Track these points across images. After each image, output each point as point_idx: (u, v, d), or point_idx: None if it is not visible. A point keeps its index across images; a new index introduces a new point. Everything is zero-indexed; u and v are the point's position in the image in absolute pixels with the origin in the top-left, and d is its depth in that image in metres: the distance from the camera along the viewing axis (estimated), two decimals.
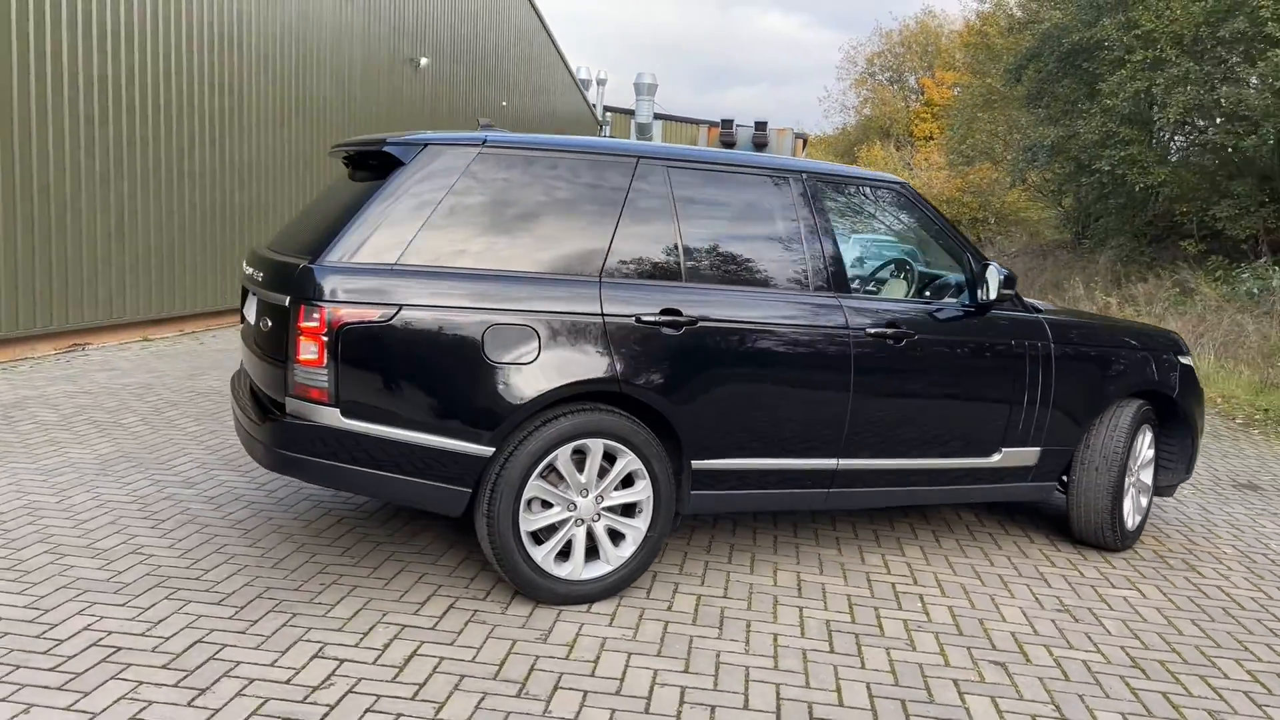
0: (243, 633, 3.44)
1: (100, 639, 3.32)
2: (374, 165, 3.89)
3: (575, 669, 3.31)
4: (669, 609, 3.87)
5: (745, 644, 3.59)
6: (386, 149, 3.77)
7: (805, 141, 46.90)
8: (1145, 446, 5.02)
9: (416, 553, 4.32)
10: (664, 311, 3.84)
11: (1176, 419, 5.19)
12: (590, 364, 3.72)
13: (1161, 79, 16.01)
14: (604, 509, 3.85)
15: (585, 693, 3.15)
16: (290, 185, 12.65)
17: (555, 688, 3.17)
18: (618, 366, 3.75)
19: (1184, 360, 5.17)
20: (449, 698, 3.07)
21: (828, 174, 4.43)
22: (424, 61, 16.71)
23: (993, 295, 4.41)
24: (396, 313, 3.51)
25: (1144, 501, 5.06)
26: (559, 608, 3.80)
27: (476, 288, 3.62)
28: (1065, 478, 4.92)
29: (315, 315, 3.46)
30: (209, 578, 3.91)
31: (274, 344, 3.68)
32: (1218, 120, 16.24)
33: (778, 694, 3.23)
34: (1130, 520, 4.93)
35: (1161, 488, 5.32)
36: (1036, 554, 4.84)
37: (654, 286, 3.89)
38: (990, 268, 4.45)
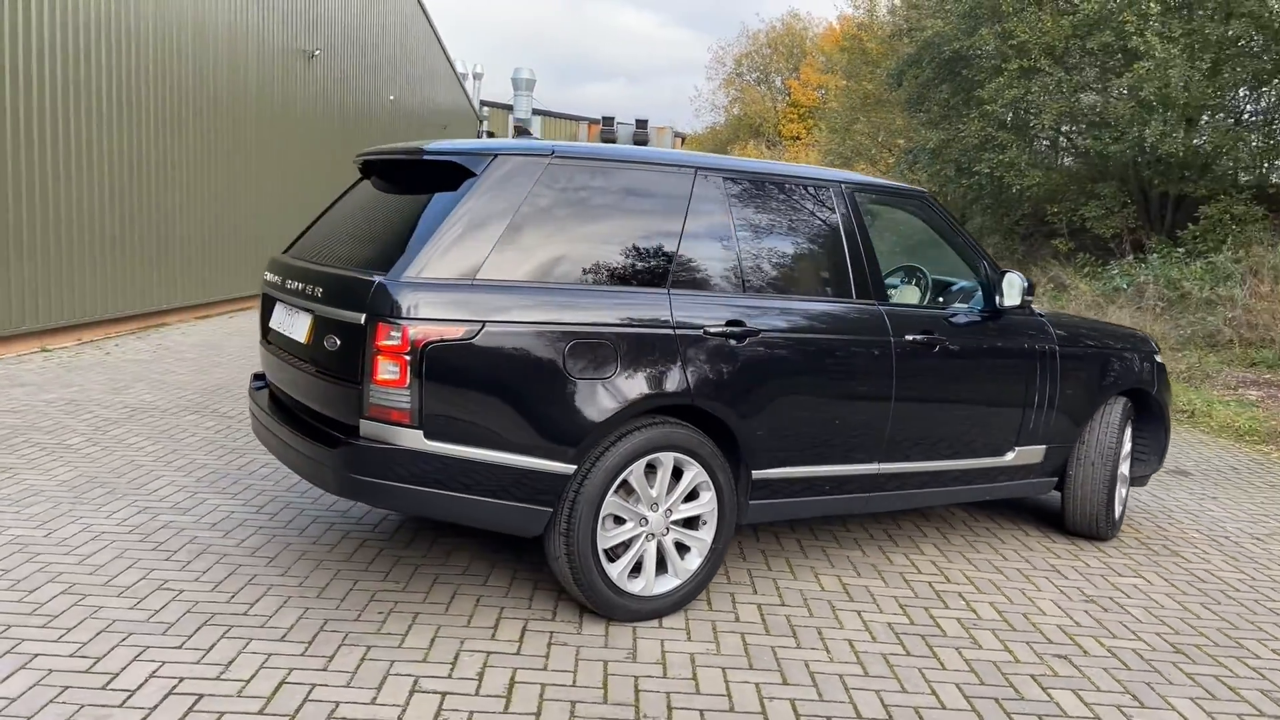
0: (324, 669, 3.26)
1: (174, 686, 3.08)
2: (430, 175, 3.75)
3: (679, 688, 3.28)
4: (736, 619, 3.88)
5: (826, 652, 3.64)
6: (454, 159, 3.64)
7: (683, 140, 47.25)
8: (1127, 440, 5.35)
9: (461, 573, 4.18)
10: (729, 323, 3.85)
11: (1151, 413, 5.54)
12: (666, 377, 3.69)
13: (1036, 87, 16.99)
14: (672, 522, 3.82)
15: (701, 711, 3.13)
16: (185, 188, 11.96)
17: (669, 708, 3.14)
18: (689, 379, 3.73)
19: (1157, 358, 5.52)
20: None
21: (863, 184, 4.53)
22: (316, 52, 16.08)
23: (1016, 301, 4.61)
24: (480, 330, 3.39)
25: (1123, 492, 5.39)
26: (631, 625, 3.76)
27: (557, 302, 3.54)
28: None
29: (396, 334, 3.31)
30: (256, 611, 3.68)
31: (342, 363, 3.48)
32: (1084, 126, 17.34)
33: (882, 701, 3.29)
34: (1117, 511, 5.24)
35: (1136, 478, 5.67)
36: (1038, 546, 5.08)
37: (716, 298, 3.89)
38: (1011, 275, 4.64)
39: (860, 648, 3.70)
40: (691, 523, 3.90)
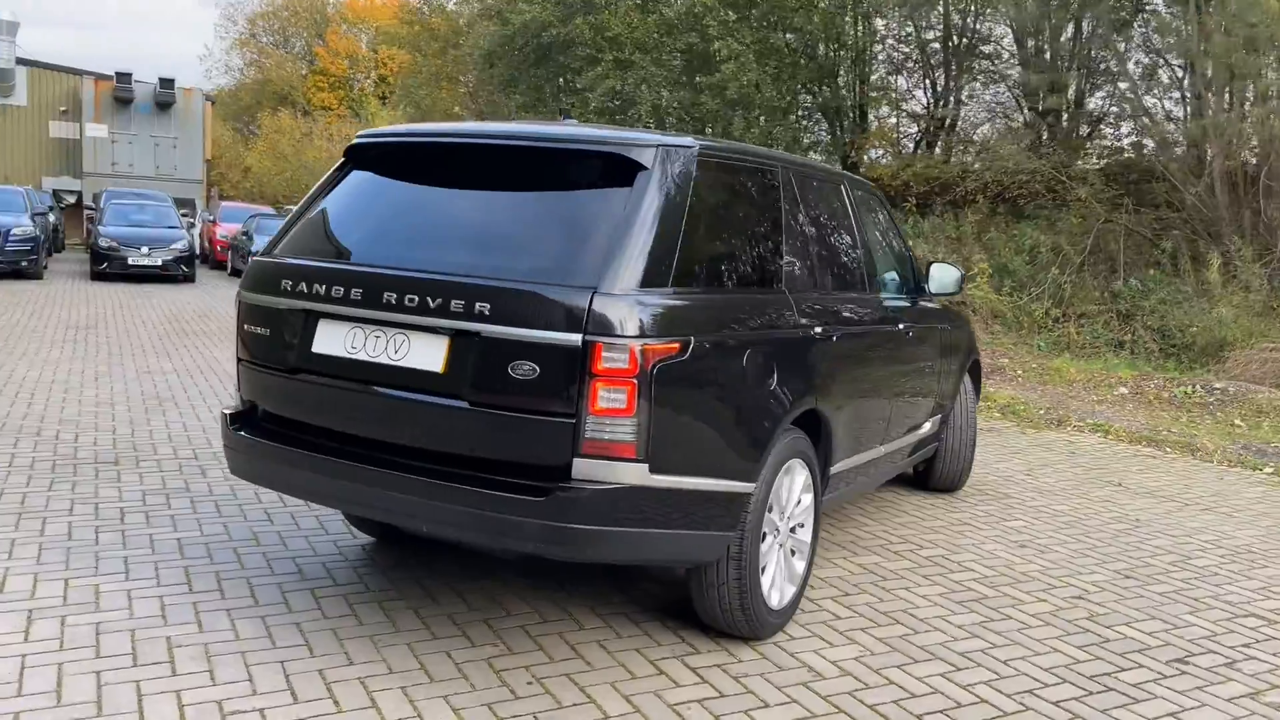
0: None
1: None
2: (583, 167, 3.22)
3: (885, 695, 3.28)
4: (837, 618, 3.91)
5: (988, 631, 3.85)
6: (618, 149, 3.15)
7: (214, 102, 42.81)
8: (973, 404, 6.21)
9: (533, 616, 3.68)
10: (824, 321, 3.84)
11: (975, 379, 6.47)
12: (803, 382, 3.59)
13: (632, 79, 18.23)
14: (790, 528, 3.74)
15: (921, 716, 3.18)
16: None
17: (871, 707, 3.14)
18: (814, 382, 3.67)
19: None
20: None
21: (853, 179, 4.71)
22: None
23: (953, 289, 5.12)
24: (690, 345, 3.03)
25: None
26: (772, 642, 3.62)
27: (739, 310, 3.28)
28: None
29: (621, 355, 2.83)
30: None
31: (536, 394, 2.88)
32: (676, 120, 18.97)
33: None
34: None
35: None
36: (923, 503, 5.72)
37: (807, 296, 3.85)
38: (944, 266, 5.14)
39: (999, 627, 3.96)
40: (796, 528, 3.84)
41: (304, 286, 3.28)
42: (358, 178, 3.62)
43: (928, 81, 20.90)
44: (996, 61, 19.14)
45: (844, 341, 3.98)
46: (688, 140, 3.40)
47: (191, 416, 6.91)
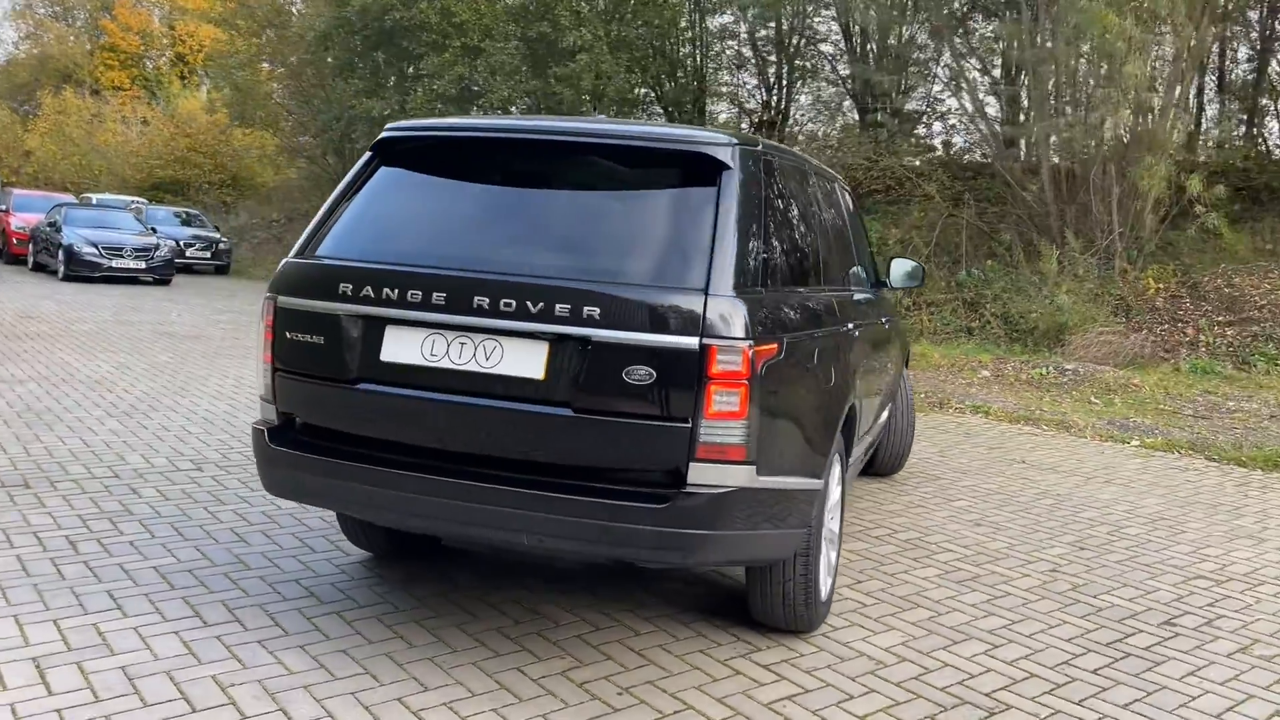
0: None
1: None
2: (664, 166, 3.17)
3: (952, 676, 3.43)
4: (864, 605, 4.04)
5: (998, 608, 4.04)
6: (702, 149, 3.11)
7: None
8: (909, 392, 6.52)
9: (582, 624, 3.60)
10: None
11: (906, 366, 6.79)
12: (848, 378, 3.68)
13: (482, 66, 17.89)
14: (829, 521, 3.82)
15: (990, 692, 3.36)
16: None
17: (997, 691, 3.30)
18: (853, 375, 3.77)
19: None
20: None
21: (841, 179, 4.83)
22: None
23: (917, 283, 5.35)
24: (783, 344, 3.05)
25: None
26: (819, 633, 3.70)
27: (808, 308, 3.32)
28: None
29: (735, 358, 2.82)
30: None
31: (649, 399, 2.83)
32: (527, 108, 18.75)
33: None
34: None
35: None
36: (869, 488, 5.98)
37: (832, 291, 3.95)
38: (902, 260, 5.36)
39: (1004, 601, 4.17)
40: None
41: (370, 290, 3.07)
42: (395, 174, 3.42)
43: (763, 78, 21.66)
44: (828, 60, 20.06)
45: (863, 337, 4.11)
46: (753, 138, 3.42)
47: (86, 432, 6.27)
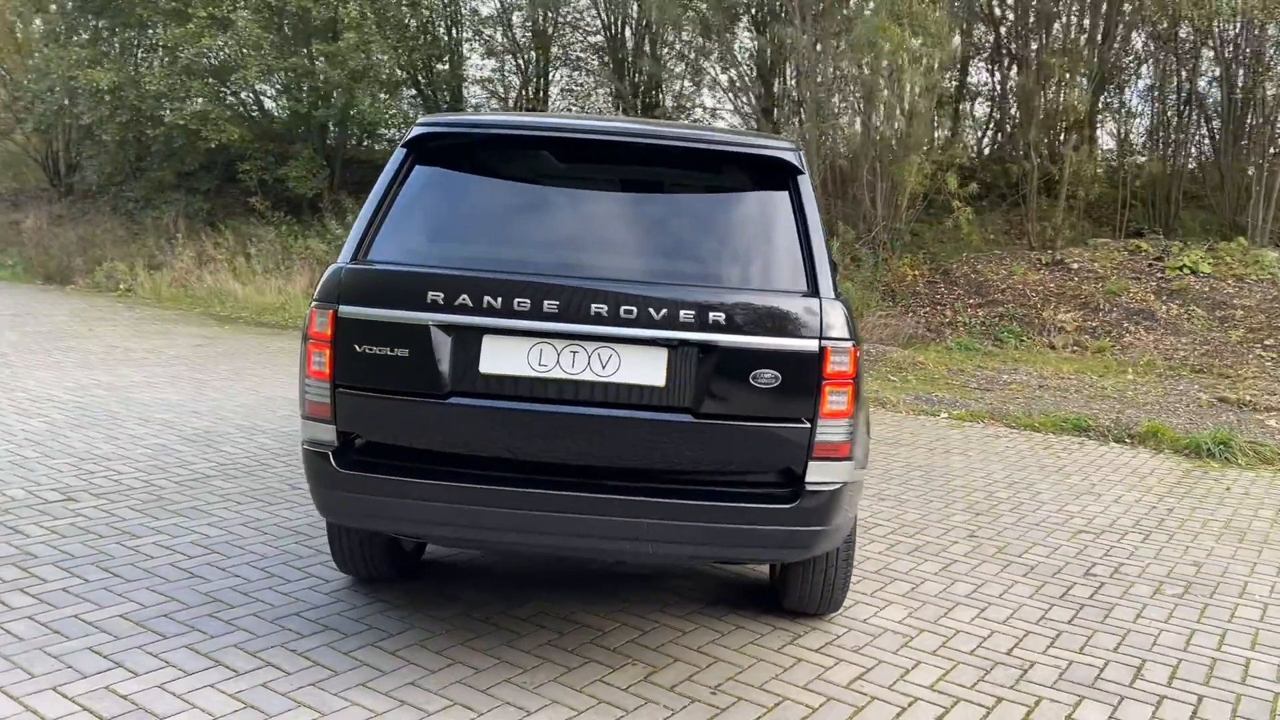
0: None
1: None
2: (741, 170, 3.21)
3: (968, 642, 3.78)
4: (869, 577, 4.31)
5: (989, 576, 4.41)
6: (782, 155, 3.17)
7: None
8: None
9: (627, 629, 3.61)
10: None
11: None
12: None
13: (232, 41, 16.54)
14: None
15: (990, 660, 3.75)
16: None
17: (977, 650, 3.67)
18: None
19: None
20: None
21: None
22: None
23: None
24: (861, 344, 3.20)
25: None
26: (840, 615, 3.92)
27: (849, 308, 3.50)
28: None
29: (846, 359, 2.98)
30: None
31: (772, 401, 2.92)
32: (281, 86, 17.52)
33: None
34: None
35: None
36: None
37: None
38: None
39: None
40: None
41: (467, 299, 2.91)
42: (440, 173, 3.24)
43: (518, 66, 21.60)
44: (597, 52, 20.38)
45: None
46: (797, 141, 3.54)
47: None
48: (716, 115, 18.88)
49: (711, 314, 2.91)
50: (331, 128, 18.41)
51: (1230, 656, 3.73)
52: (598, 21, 20.05)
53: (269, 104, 18.63)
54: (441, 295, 2.92)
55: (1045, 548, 5.02)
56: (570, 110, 21.13)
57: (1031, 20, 15.32)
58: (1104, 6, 14.92)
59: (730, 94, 17.09)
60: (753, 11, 16.49)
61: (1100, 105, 16.15)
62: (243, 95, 18.50)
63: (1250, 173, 15.11)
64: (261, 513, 4.80)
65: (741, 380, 2.92)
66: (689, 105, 20.15)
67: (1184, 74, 15.89)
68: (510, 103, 21.25)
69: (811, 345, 2.93)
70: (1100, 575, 4.62)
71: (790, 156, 3.22)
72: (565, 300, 2.91)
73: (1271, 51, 14.95)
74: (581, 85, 21.69)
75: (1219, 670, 3.60)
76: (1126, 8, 15.02)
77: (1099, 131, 16.89)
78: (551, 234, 3.17)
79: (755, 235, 3.18)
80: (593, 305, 2.90)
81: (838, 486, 3.01)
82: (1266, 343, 11.28)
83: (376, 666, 3.22)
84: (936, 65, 11.52)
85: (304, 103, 17.21)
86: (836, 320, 2.97)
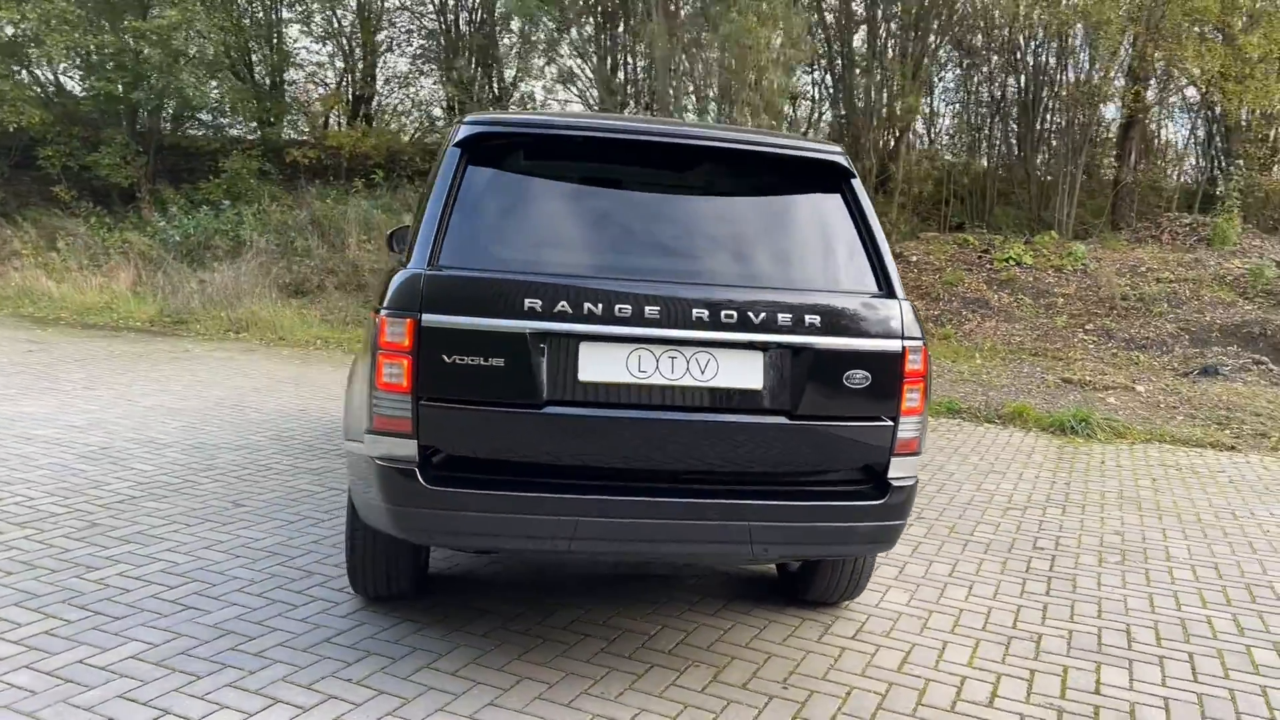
0: None
1: None
2: (797, 174, 3.29)
3: (966, 620, 4.03)
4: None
5: (965, 553, 4.65)
6: (833, 158, 3.27)
7: None
8: None
9: (671, 633, 3.63)
10: None
11: None
12: None
13: (34, 14, 15.02)
14: None
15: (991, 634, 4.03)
16: None
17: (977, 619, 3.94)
18: None
19: None
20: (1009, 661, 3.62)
21: None
22: None
23: None
24: None
25: None
26: (853, 602, 4.08)
27: None
28: None
29: (919, 358, 3.11)
30: None
31: (862, 401, 3.01)
32: (109, 66, 16.02)
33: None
34: None
35: None
36: None
37: None
38: None
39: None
40: None
41: (566, 306, 2.85)
42: (497, 175, 3.12)
43: (342, 49, 20.74)
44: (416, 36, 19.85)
45: None
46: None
47: None
48: (567, 105, 18.82)
49: (806, 316, 2.98)
50: (144, 112, 17.04)
51: (1192, 616, 4.16)
52: (430, 6, 19.54)
53: (73, 84, 17.02)
54: (539, 303, 2.84)
55: (988, 525, 5.39)
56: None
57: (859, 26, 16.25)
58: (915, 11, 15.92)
59: (571, 85, 17.09)
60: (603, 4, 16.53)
61: (919, 108, 17.28)
62: (40, 74, 16.82)
63: (1047, 173, 16.65)
64: (219, 534, 4.45)
65: (835, 381, 3.00)
66: (521, 92, 19.94)
67: (985, 79, 17.25)
68: (336, 88, 20.37)
69: (895, 345, 3.05)
70: (1047, 548, 5.02)
71: (842, 160, 3.31)
72: (665, 306, 2.90)
73: (1054, 60, 16.44)
74: (409, 72, 21.06)
75: (1192, 629, 4.01)
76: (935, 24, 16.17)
77: (918, 131, 18.08)
78: (625, 237, 3.13)
79: (823, 237, 3.25)
80: (694, 310, 2.91)
81: (914, 481, 3.15)
82: (1087, 327, 12.46)
83: (445, 690, 3.09)
84: (795, 66, 11.97)
85: (116, 84, 15.84)
86: (911, 320, 3.09)
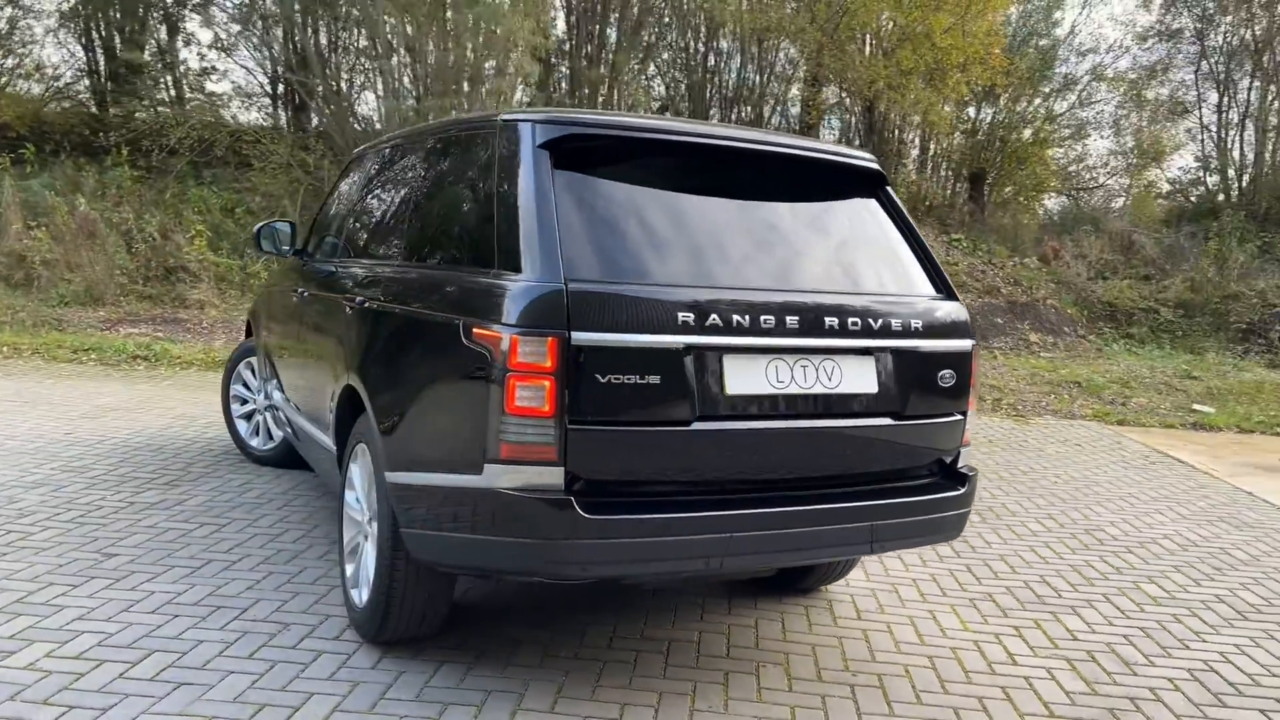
0: None
1: None
2: (840, 180, 3.43)
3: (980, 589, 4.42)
4: None
5: None
6: (872, 165, 3.43)
7: None
8: None
9: (710, 643, 3.63)
10: None
11: None
12: None
13: None
14: None
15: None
16: None
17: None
18: None
19: None
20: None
21: None
22: None
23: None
24: None
25: None
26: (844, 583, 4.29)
27: None
28: None
29: (973, 356, 3.35)
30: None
31: (945, 397, 3.23)
32: None
33: None
34: None
35: None
36: None
37: None
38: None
39: None
40: None
41: (716, 319, 2.78)
42: (592, 180, 2.95)
43: None
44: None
45: None
46: None
47: None
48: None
49: (913, 321, 3.14)
50: None
51: (1075, 563, 4.86)
52: None
53: None
54: (692, 316, 2.74)
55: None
56: None
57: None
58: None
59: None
60: None
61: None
62: None
63: None
64: (122, 592, 3.73)
65: (930, 381, 3.18)
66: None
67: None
68: None
69: (967, 344, 3.29)
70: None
71: (878, 166, 3.50)
72: (803, 316, 2.93)
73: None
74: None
75: (1084, 574, 4.69)
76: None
77: None
78: (728, 244, 3.06)
79: (885, 243, 3.39)
80: (826, 319, 2.95)
81: (976, 472, 3.41)
82: None
83: None
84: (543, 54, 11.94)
85: None
86: (971, 320, 3.35)
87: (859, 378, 3.06)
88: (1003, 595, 4.32)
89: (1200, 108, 20.22)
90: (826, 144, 3.57)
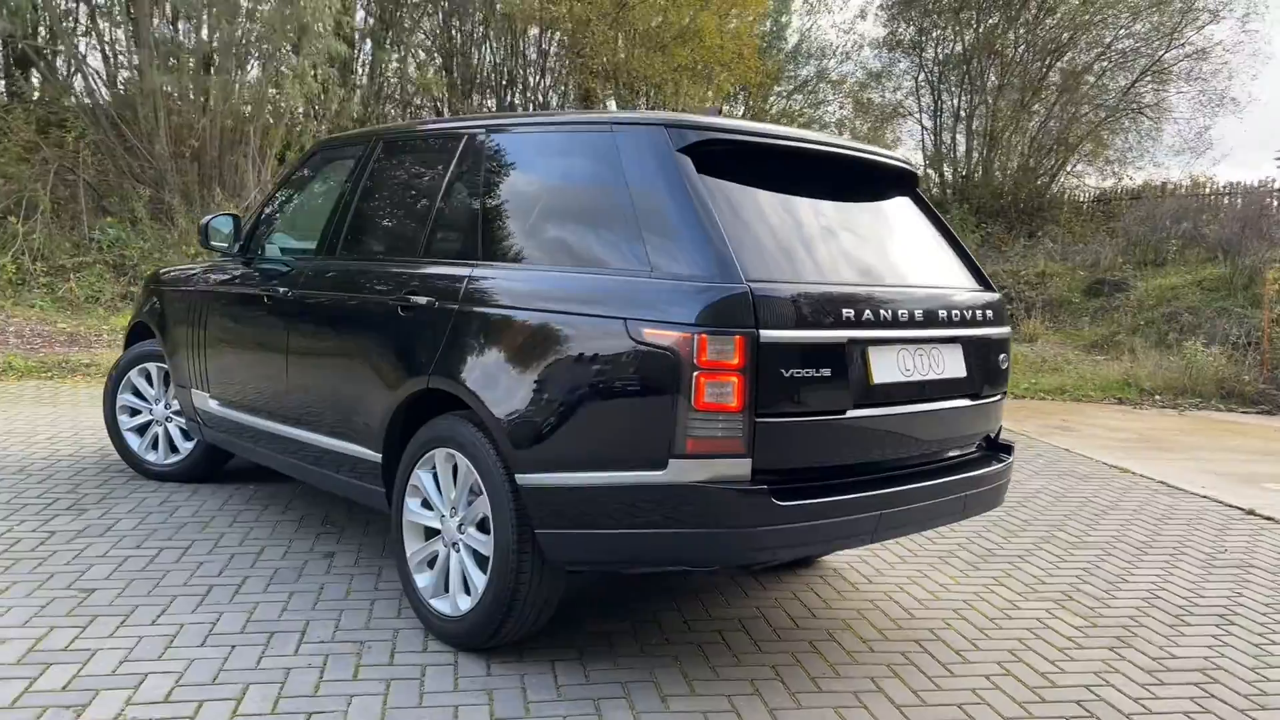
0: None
1: None
2: (881, 181, 3.71)
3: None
4: None
5: None
6: (909, 166, 3.75)
7: None
8: None
9: (762, 628, 3.85)
10: None
11: None
12: None
13: None
14: None
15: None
16: None
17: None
18: None
19: None
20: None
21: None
22: None
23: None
24: None
25: None
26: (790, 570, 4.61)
27: None
28: None
29: None
30: None
31: (998, 379, 3.57)
32: None
33: None
34: None
35: None
36: None
37: None
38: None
39: None
40: None
41: (869, 314, 3.02)
42: (729, 184, 3.07)
43: None
44: None
45: None
46: None
47: None
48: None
49: (986, 311, 3.52)
50: None
51: (1007, 523, 5.52)
52: None
53: None
54: (852, 312, 2.95)
55: None
56: None
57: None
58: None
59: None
60: None
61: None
62: None
63: None
64: (139, 630, 3.37)
65: (994, 365, 3.57)
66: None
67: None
68: None
69: (1008, 330, 3.71)
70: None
71: (914, 167, 3.85)
72: (924, 308, 3.23)
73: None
74: None
75: (1012, 540, 5.35)
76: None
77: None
78: (848, 244, 3.29)
79: (933, 239, 3.72)
80: (940, 310, 3.27)
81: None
82: None
83: (724, 709, 2.99)
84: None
85: None
86: (1007, 309, 3.78)
87: (954, 364, 3.39)
88: (967, 552, 4.84)
89: (920, 114, 22.79)
90: (880, 148, 3.87)
